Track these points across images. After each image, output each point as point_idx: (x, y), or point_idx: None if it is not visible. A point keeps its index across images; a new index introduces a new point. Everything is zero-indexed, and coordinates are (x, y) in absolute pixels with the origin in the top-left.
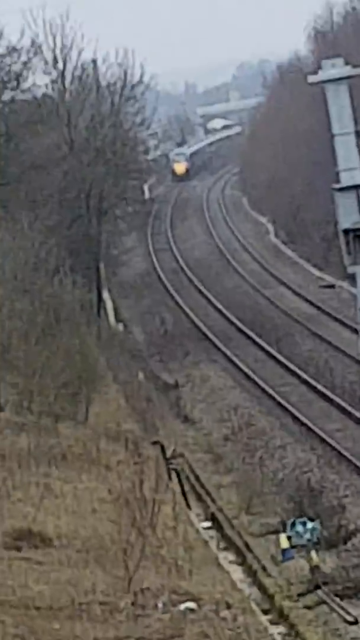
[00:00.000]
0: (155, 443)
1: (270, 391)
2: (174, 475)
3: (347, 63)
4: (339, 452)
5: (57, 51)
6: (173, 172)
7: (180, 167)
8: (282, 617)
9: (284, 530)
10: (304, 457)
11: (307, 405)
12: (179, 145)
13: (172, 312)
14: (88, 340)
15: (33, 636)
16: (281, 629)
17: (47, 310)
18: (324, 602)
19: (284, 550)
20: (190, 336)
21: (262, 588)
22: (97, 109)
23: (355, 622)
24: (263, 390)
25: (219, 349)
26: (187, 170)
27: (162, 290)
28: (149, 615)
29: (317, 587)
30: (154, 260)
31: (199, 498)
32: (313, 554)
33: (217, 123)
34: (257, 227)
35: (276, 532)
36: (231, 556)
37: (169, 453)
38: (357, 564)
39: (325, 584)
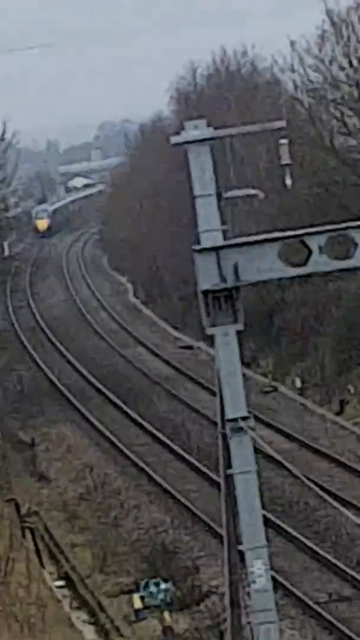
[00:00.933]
0: (9, 501)
1: (126, 451)
2: (28, 533)
3: (209, 125)
4: (194, 513)
5: None
6: (35, 228)
7: (42, 224)
8: None
9: (138, 590)
10: (159, 518)
11: (163, 465)
12: (40, 202)
13: (30, 370)
14: None
15: None
16: None
17: None
18: None
19: (137, 611)
20: (48, 394)
21: None
22: None
23: None
24: (119, 449)
25: (76, 407)
26: (49, 227)
27: (19, 348)
28: None
29: None
30: (12, 317)
31: (53, 557)
32: (166, 614)
33: (78, 182)
34: (117, 287)
35: (130, 592)
36: (84, 615)
37: (23, 511)
38: (210, 625)
39: None
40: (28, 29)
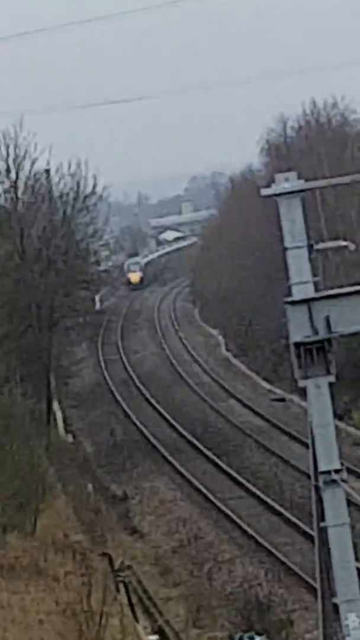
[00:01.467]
0: (103, 555)
1: (219, 504)
2: (121, 587)
3: (300, 176)
4: (287, 566)
5: (10, 161)
6: (128, 281)
7: (135, 276)
8: None
9: None
10: (253, 571)
11: (256, 518)
12: (131, 256)
13: (122, 424)
14: (37, 451)
15: None
16: None
17: None
18: None
19: None
20: (140, 448)
21: None
22: (50, 219)
23: None
24: (212, 503)
25: (168, 461)
26: (141, 279)
27: (112, 401)
28: None
29: None
30: (105, 371)
31: (147, 611)
32: None
33: (170, 235)
34: (208, 340)
35: None
36: None
37: (116, 565)
38: None
39: None
40: (118, 81)
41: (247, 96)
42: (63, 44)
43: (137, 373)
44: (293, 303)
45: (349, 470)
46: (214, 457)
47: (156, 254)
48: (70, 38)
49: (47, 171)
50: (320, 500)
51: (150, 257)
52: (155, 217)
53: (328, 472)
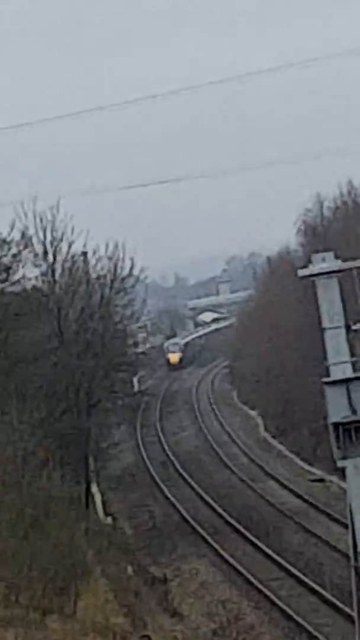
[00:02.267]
0: (143, 637)
1: (259, 585)
2: None
3: (337, 257)
4: None
5: (47, 244)
6: (167, 361)
7: (174, 357)
8: None
9: None
10: None
11: (296, 599)
12: (169, 337)
13: (161, 505)
14: (76, 534)
15: None
16: None
17: (35, 503)
18: None
19: None
20: (179, 529)
21: None
22: (87, 301)
23: None
24: (252, 584)
25: (207, 542)
26: (181, 360)
27: (150, 483)
28: None
29: None
30: (143, 452)
31: None
32: None
33: (207, 316)
34: (247, 421)
35: None
36: None
37: None
38: None
39: None
40: (154, 163)
41: (284, 177)
42: (99, 127)
43: (176, 455)
44: (331, 383)
45: None
46: (254, 539)
47: (194, 335)
48: (105, 121)
49: (84, 253)
50: None
51: (189, 337)
52: (192, 298)
53: None
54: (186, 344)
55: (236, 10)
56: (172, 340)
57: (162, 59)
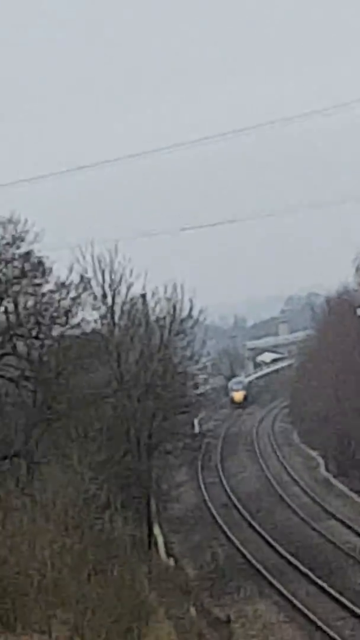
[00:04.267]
0: None
1: (324, 627)
2: None
3: None
4: None
5: (106, 286)
6: (232, 400)
7: (238, 395)
8: None
9: None
10: None
11: None
12: (228, 379)
13: (223, 547)
14: (139, 576)
15: None
16: None
17: (97, 545)
18: None
19: None
20: (242, 570)
21: None
22: (147, 343)
23: None
24: (316, 625)
25: (271, 583)
26: (245, 397)
27: (213, 524)
28: None
29: None
30: (205, 494)
31: None
32: None
33: (267, 357)
34: (308, 461)
35: None
36: None
37: None
38: None
39: None
40: (209, 204)
41: (341, 215)
42: (153, 169)
43: (238, 495)
44: None
45: None
46: (317, 579)
47: (256, 375)
48: (159, 163)
49: (143, 295)
50: None
51: (252, 377)
52: (251, 339)
53: None
54: (250, 382)
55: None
56: (236, 379)
57: (215, 102)
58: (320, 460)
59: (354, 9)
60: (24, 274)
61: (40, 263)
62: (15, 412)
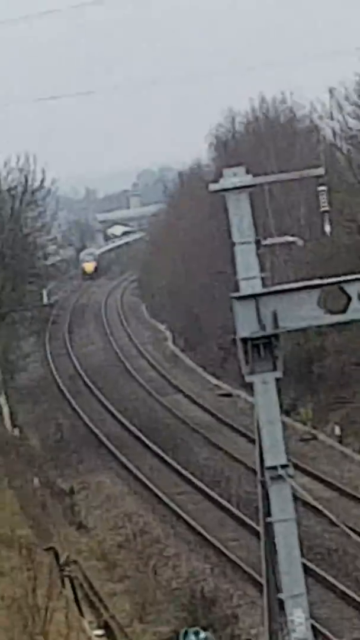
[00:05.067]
0: (49, 549)
1: (166, 499)
2: (67, 582)
3: (248, 172)
4: (233, 562)
5: None
6: (83, 271)
7: (89, 266)
8: None
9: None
10: (198, 566)
11: (202, 513)
12: (80, 250)
13: (69, 418)
14: None
15: None
16: None
17: None
18: None
19: None
20: (86, 443)
21: None
22: None
23: None
24: (158, 498)
25: (115, 455)
26: (96, 269)
27: (58, 396)
28: None
29: None
30: (52, 365)
31: (92, 605)
32: None
33: (117, 229)
34: (156, 334)
35: None
36: None
37: (62, 560)
38: None
39: None
40: (66, 75)
41: (196, 91)
42: (13, 37)
43: (84, 368)
44: (240, 298)
45: (295, 466)
46: (161, 452)
47: (108, 247)
48: (18, 32)
49: None
50: (266, 496)
51: (104, 249)
52: (103, 211)
53: (274, 468)
54: (101, 254)
55: None
56: (87, 251)
57: None
58: (168, 334)
59: None
60: None
61: None
62: None
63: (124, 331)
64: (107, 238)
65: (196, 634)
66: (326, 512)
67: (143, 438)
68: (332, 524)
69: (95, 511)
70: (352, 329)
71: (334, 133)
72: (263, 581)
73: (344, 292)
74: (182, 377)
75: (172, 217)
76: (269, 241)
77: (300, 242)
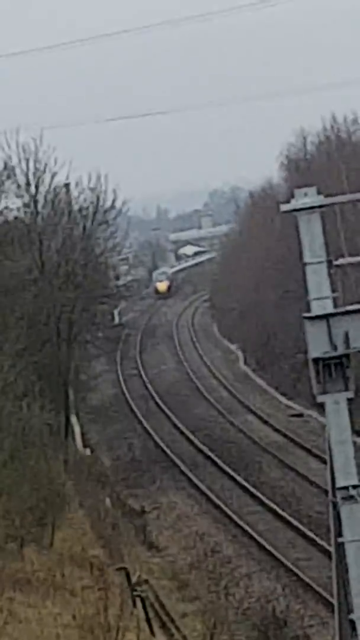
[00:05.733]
0: (120, 569)
1: (237, 519)
2: (138, 602)
3: (319, 192)
4: (305, 582)
5: (30, 175)
6: (155, 290)
7: (162, 285)
8: None
9: None
10: (270, 586)
11: (273, 533)
12: (150, 271)
13: (140, 438)
14: (55, 465)
15: None
16: None
17: (14, 433)
18: None
19: None
20: (158, 462)
21: None
22: (69, 233)
23: None
24: (229, 517)
25: (186, 475)
26: (169, 288)
27: (130, 416)
28: None
29: None
30: (123, 385)
31: (163, 625)
32: None
33: (189, 249)
34: (227, 355)
35: None
36: None
37: (134, 579)
38: None
39: None
40: (139, 95)
41: (267, 111)
42: (80, 59)
43: (156, 387)
44: (312, 318)
45: None
46: (232, 472)
47: (180, 267)
48: (86, 53)
49: (67, 185)
50: (337, 516)
51: (176, 268)
52: (174, 231)
53: (346, 488)
54: (174, 273)
55: None
56: (160, 270)
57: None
58: (240, 354)
59: None
60: None
61: None
62: None
63: (196, 351)
64: (178, 258)
65: None
66: None
67: (214, 458)
68: None
69: (167, 531)
70: None
71: None
72: (334, 601)
73: None
74: (253, 397)
75: (244, 237)
76: (340, 261)
77: None
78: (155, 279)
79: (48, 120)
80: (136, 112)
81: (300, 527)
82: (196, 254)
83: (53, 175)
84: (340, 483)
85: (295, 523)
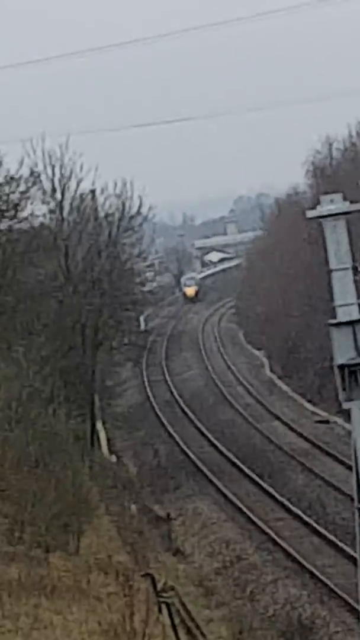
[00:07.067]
0: (146, 575)
1: (262, 525)
2: (164, 608)
3: (345, 199)
4: (330, 589)
5: (56, 181)
6: (184, 295)
7: (190, 290)
8: None
9: None
10: (295, 593)
11: (299, 540)
12: (176, 277)
13: (166, 444)
14: (81, 471)
15: None
16: None
17: (40, 440)
18: None
19: None
20: (184, 469)
21: None
22: (95, 239)
23: None
24: (255, 524)
25: (211, 482)
26: (197, 293)
27: (156, 422)
28: None
29: None
30: (149, 391)
31: (189, 632)
32: None
33: (215, 256)
34: (253, 361)
35: None
36: None
37: (159, 586)
38: None
39: None
40: (165, 102)
41: (293, 118)
42: (106, 65)
43: (181, 394)
44: (337, 325)
45: None
46: (258, 479)
47: (207, 273)
48: (114, 59)
49: (93, 191)
50: None
51: (204, 274)
52: (200, 238)
53: None
54: (202, 279)
55: None
56: (188, 275)
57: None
58: (265, 361)
59: None
60: None
61: None
62: None
63: (221, 358)
64: (204, 264)
65: None
66: None
67: (240, 464)
68: None
69: (192, 538)
70: None
71: None
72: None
73: None
74: (279, 403)
75: (269, 244)
76: None
77: None
78: (183, 284)
79: (74, 127)
80: (161, 119)
81: (326, 533)
82: (221, 260)
83: (79, 182)
84: None
85: (321, 530)
